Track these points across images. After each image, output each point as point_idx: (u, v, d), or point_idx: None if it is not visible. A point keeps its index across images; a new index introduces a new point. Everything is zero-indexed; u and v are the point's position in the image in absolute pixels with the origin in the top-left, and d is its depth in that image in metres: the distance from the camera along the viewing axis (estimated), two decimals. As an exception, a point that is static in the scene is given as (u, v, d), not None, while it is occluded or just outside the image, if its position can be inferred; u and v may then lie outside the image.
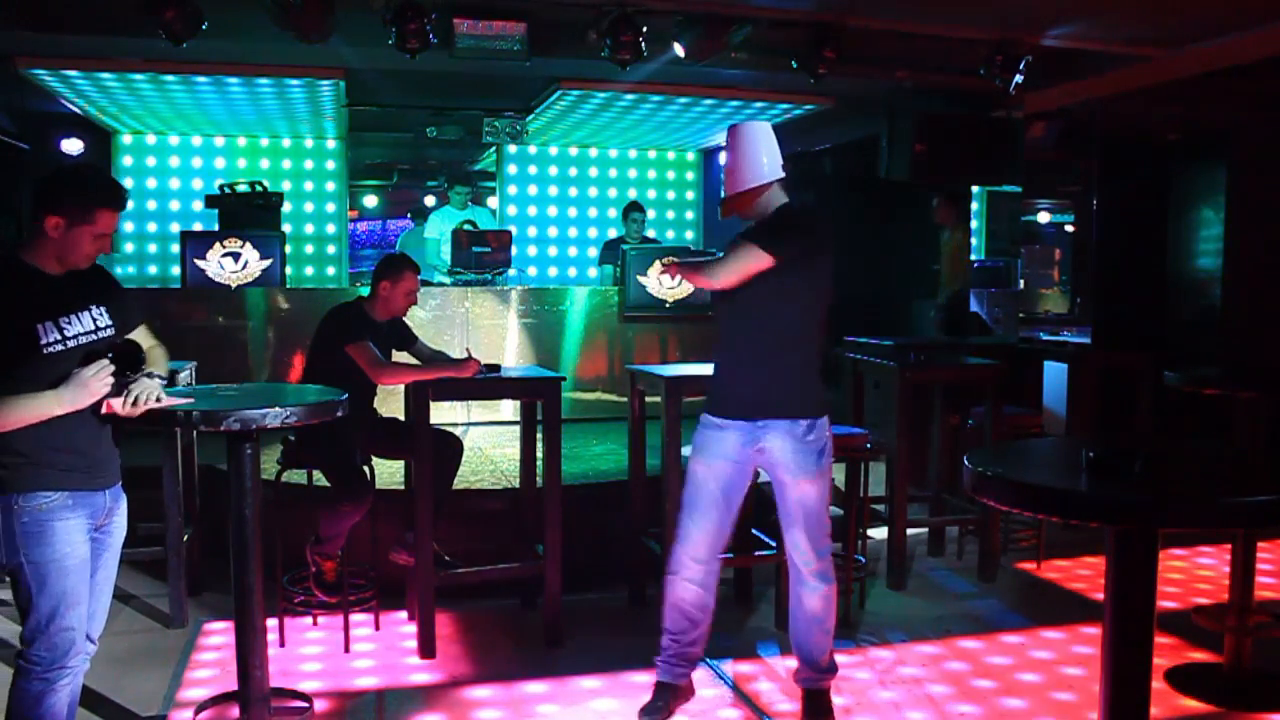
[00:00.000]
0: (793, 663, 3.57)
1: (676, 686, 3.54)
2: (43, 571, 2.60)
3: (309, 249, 9.08)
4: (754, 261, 3.22)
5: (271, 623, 3.83)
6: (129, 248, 8.69)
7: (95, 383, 2.56)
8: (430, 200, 12.18)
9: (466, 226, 7.58)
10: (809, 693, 3.51)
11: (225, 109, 7.76)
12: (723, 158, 3.56)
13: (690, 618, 3.47)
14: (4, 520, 2.57)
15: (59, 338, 2.58)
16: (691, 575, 3.43)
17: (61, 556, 2.61)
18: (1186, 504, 2.10)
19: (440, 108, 8.14)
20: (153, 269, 8.73)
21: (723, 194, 3.48)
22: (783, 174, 3.40)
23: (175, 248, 7.31)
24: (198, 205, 8.33)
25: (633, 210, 8.00)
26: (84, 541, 2.67)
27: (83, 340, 2.64)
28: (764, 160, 3.38)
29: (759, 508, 4.50)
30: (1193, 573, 5.28)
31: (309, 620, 4.43)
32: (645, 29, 5.62)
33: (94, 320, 2.70)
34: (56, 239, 2.60)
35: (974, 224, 8.65)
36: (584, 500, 4.90)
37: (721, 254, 3.40)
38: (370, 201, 13.36)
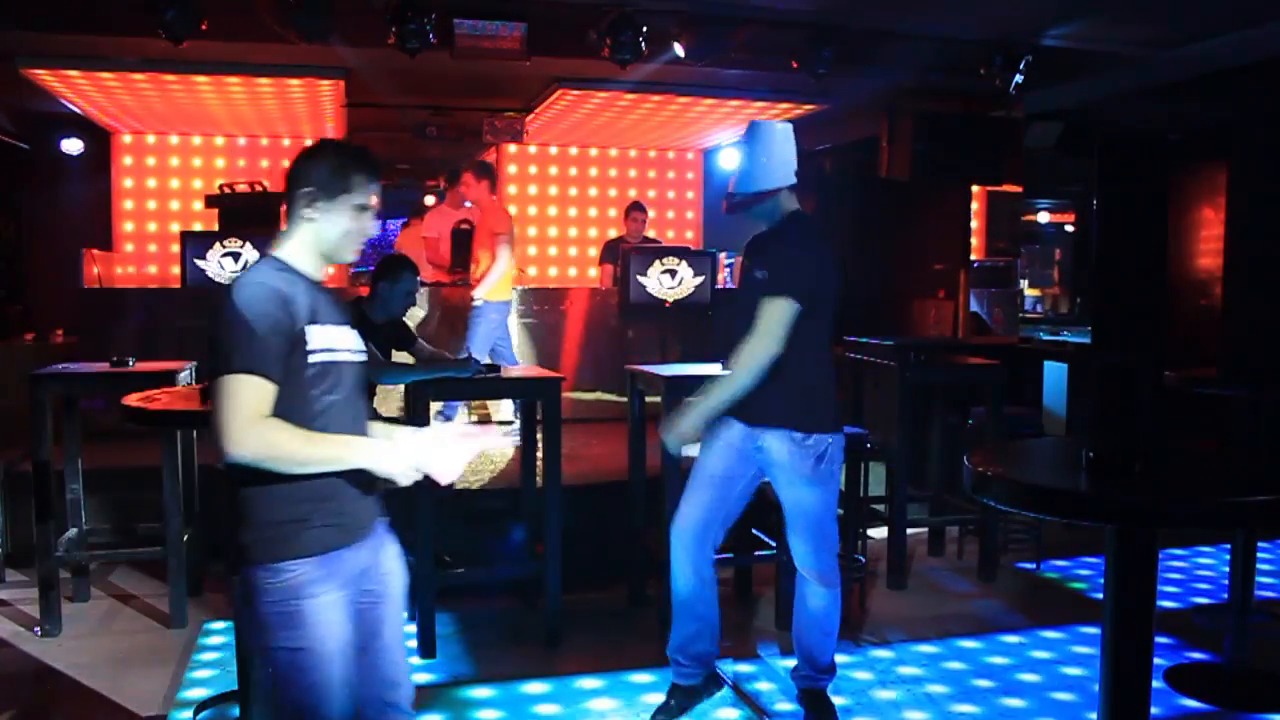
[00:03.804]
0: (793, 662, 3.57)
1: (687, 687, 3.54)
2: (293, 660, 2.15)
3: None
4: (792, 314, 3.19)
5: (271, 623, 3.82)
6: (129, 248, 8.69)
7: (411, 468, 2.16)
8: (430, 200, 12.17)
9: (465, 226, 7.57)
10: (804, 691, 3.52)
11: (225, 109, 7.76)
12: (735, 153, 3.52)
13: (686, 604, 3.45)
14: (249, 599, 2.17)
15: (329, 347, 2.21)
16: (679, 556, 3.42)
17: (316, 641, 2.15)
18: (1186, 504, 2.10)
19: (440, 108, 8.13)
20: (153, 269, 8.73)
21: (732, 189, 3.41)
22: (795, 180, 3.38)
23: (175, 248, 7.31)
24: (198, 205, 8.33)
25: (634, 210, 8.00)
26: (342, 620, 2.20)
27: (344, 357, 2.25)
28: (781, 164, 3.34)
29: (759, 508, 4.50)
30: (1193, 573, 5.28)
31: (309, 620, 4.42)
32: (645, 29, 5.62)
33: (351, 342, 2.31)
34: (315, 221, 2.24)
35: (974, 224, 8.65)
36: (584, 500, 4.90)
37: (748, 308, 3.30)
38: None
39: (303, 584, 2.14)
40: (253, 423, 2.05)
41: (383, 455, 2.14)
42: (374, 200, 2.28)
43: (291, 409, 2.12)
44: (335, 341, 2.22)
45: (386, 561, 2.38)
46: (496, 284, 6.27)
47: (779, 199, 3.36)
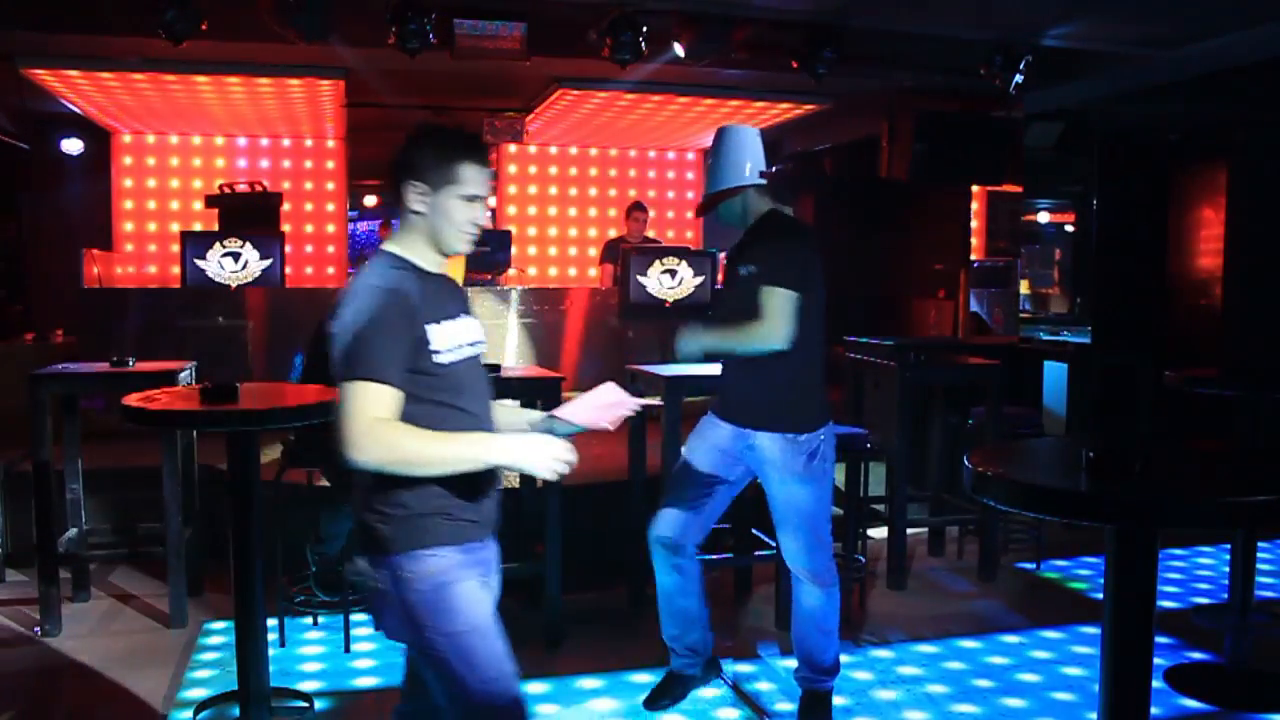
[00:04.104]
0: (793, 662, 3.57)
1: (683, 676, 3.57)
2: (456, 644, 2.12)
3: (309, 249, 9.08)
4: (794, 303, 3.19)
5: (271, 623, 3.83)
6: (129, 248, 8.69)
7: (552, 460, 2.09)
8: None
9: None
10: (806, 692, 3.51)
11: (225, 109, 7.76)
12: (709, 153, 3.54)
13: (671, 596, 3.46)
14: (397, 591, 2.13)
15: (450, 346, 2.17)
16: (656, 553, 3.43)
17: (472, 621, 2.14)
18: (1186, 504, 2.09)
19: (440, 108, 8.14)
20: (153, 269, 8.73)
21: (707, 190, 3.45)
22: (763, 181, 3.37)
23: (175, 248, 7.31)
24: (198, 205, 8.33)
25: (635, 210, 8.00)
26: (488, 604, 2.21)
27: (466, 352, 2.23)
28: (745, 163, 3.34)
29: (759, 508, 4.50)
30: (1193, 573, 5.28)
31: (309, 620, 4.43)
32: (645, 29, 5.62)
33: (472, 333, 2.27)
34: (424, 214, 2.18)
35: (974, 224, 8.66)
36: (584, 500, 4.90)
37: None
38: (370, 201, 13.34)
39: (448, 569, 2.12)
40: (374, 427, 2.02)
41: (519, 450, 2.07)
42: (484, 187, 2.20)
43: (418, 411, 2.09)
44: (456, 337, 2.18)
45: (496, 565, 2.35)
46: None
47: (746, 199, 3.36)
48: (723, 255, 7.98)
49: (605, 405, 2.34)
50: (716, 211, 3.43)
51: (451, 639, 2.11)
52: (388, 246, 2.22)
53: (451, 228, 2.18)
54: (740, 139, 3.39)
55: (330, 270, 9.13)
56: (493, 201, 9.99)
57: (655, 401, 2.44)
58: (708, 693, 3.75)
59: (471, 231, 2.21)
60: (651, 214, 8.38)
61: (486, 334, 2.36)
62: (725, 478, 3.42)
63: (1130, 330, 7.42)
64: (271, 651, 3.47)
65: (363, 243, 12.79)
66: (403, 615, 2.13)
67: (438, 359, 2.12)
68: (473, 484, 2.15)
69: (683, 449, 3.51)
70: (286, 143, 9.02)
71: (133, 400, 3.31)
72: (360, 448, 2.03)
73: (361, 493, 2.17)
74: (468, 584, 2.15)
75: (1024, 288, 8.85)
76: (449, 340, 2.15)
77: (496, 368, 4.42)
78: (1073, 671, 3.98)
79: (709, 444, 3.41)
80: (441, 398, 2.13)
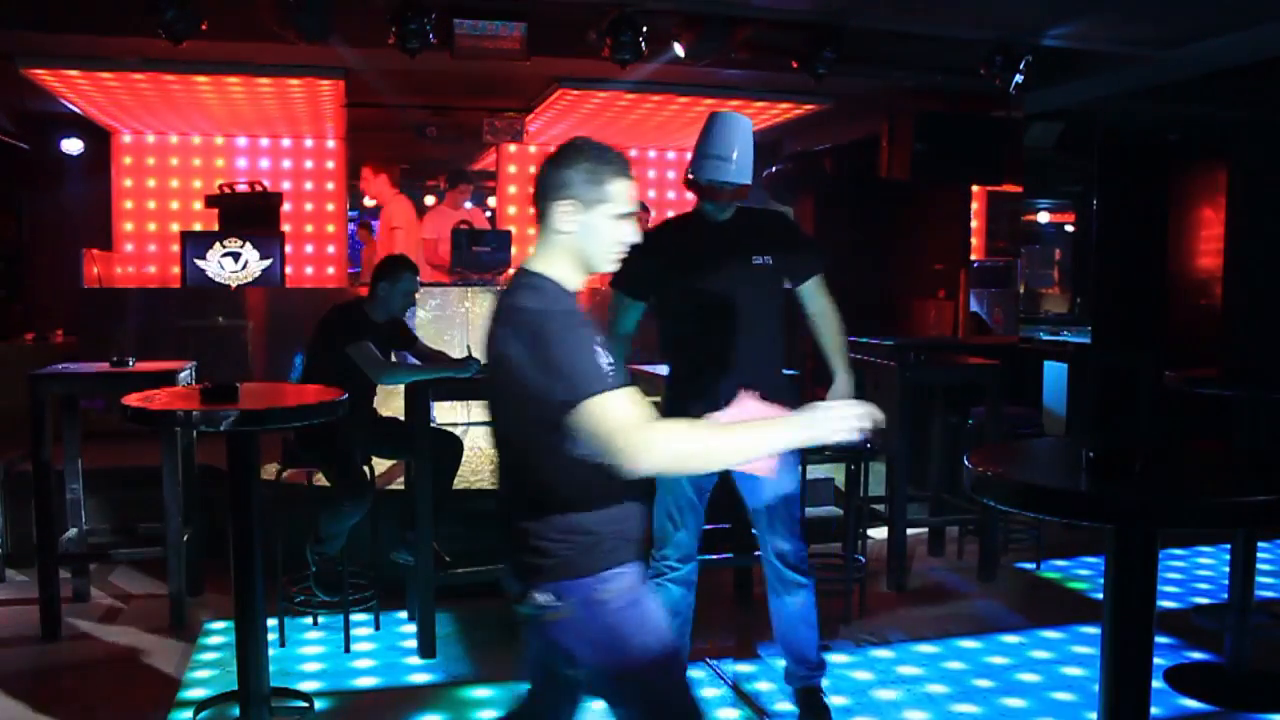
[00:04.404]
0: (792, 663, 3.57)
1: None
2: (658, 662, 2.10)
3: (309, 249, 9.08)
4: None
5: (271, 623, 3.83)
6: (129, 248, 8.69)
7: (846, 422, 1.95)
8: (430, 200, 12.18)
9: (463, 226, 7.58)
10: (801, 691, 3.50)
11: (225, 109, 7.76)
12: (721, 141, 3.46)
13: (684, 618, 3.46)
14: (585, 615, 2.07)
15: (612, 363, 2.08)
16: (680, 575, 3.42)
17: (666, 636, 2.14)
18: (1186, 504, 2.10)
19: (440, 107, 8.14)
20: (153, 269, 8.73)
21: (721, 178, 3.29)
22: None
23: (175, 248, 7.31)
24: (198, 205, 8.33)
25: (639, 210, 7.98)
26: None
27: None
28: (751, 160, 3.36)
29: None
30: (1193, 573, 5.28)
31: (309, 620, 4.43)
32: (645, 29, 5.62)
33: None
34: (573, 234, 2.10)
35: (974, 224, 8.66)
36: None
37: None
38: (370, 202, 13.34)
39: (635, 585, 2.10)
40: (644, 433, 1.92)
41: (813, 425, 1.95)
42: (634, 204, 2.14)
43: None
44: (609, 355, 2.09)
45: None
46: None
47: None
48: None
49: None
50: (744, 200, 3.40)
51: (652, 659, 2.08)
52: (533, 266, 2.13)
53: (602, 247, 2.12)
54: (750, 132, 3.36)
55: (330, 270, 9.12)
56: (492, 201, 9.99)
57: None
58: (708, 692, 3.75)
59: (621, 250, 2.15)
60: (653, 214, 8.37)
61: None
62: (710, 483, 3.43)
63: (1130, 330, 7.42)
64: (271, 651, 3.47)
65: (363, 243, 12.79)
66: (597, 638, 2.08)
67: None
68: (630, 507, 2.13)
69: (669, 478, 3.37)
70: (286, 143, 9.02)
71: (132, 400, 3.31)
72: (636, 458, 1.91)
73: (528, 524, 2.09)
74: (652, 599, 2.15)
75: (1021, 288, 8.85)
76: (609, 359, 2.08)
77: (496, 368, 4.43)
78: (1073, 671, 3.98)
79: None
80: None
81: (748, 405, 2.09)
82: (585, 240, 2.10)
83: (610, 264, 2.16)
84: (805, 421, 1.94)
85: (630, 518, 2.13)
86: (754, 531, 3.52)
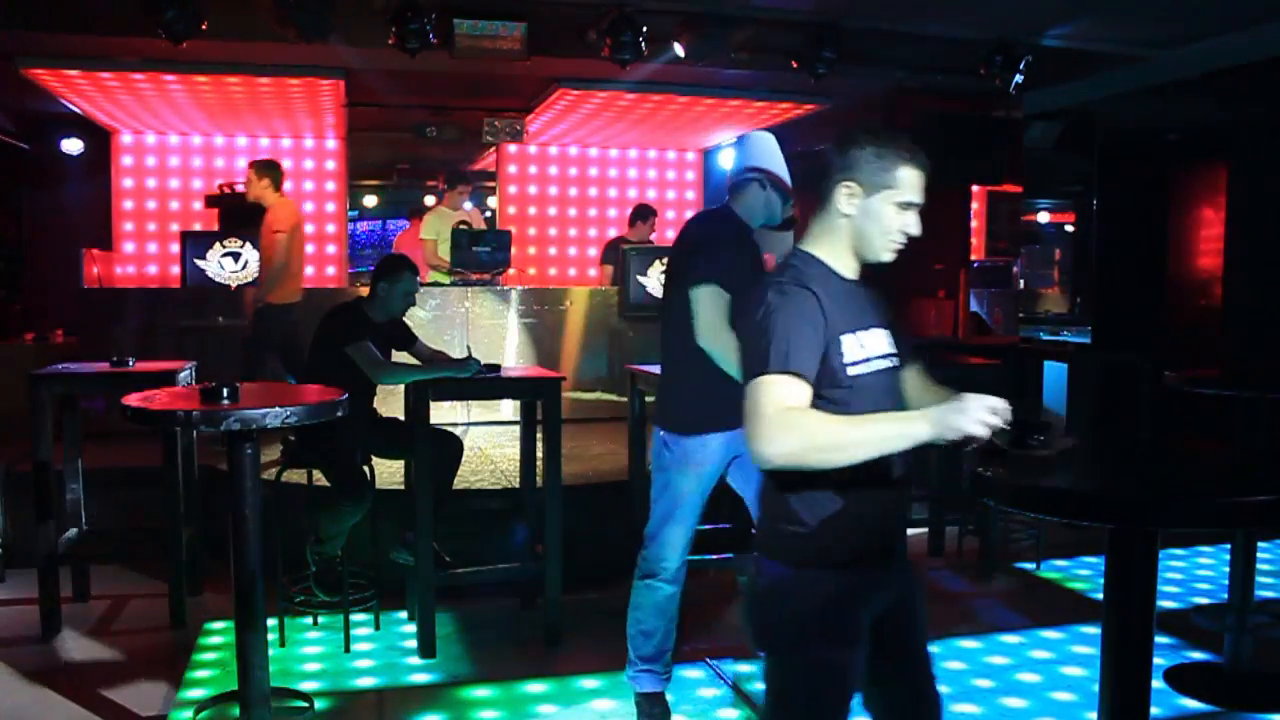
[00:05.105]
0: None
1: (661, 693, 3.48)
2: (811, 674, 2.07)
3: (309, 249, 9.07)
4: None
5: (271, 623, 3.83)
6: (129, 248, 8.69)
7: (979, 414, 1.91)
8: (430, 200, 12.19)
9: (463, 226, 7.58)
10: None
11: (225, 109, 7.76)
12: (773, 167, 3.50)
13: (671, 617, 3.43)
14: (779, 598, 2.07)
15: (861, 357, 2.06)
16: (672, 577, 3.39)
17: (835, 660, 2.06)
18: (1186, 504, 2.09)
19: (440, 107, 8.14)
20: (153, 269, 8.73)
21: (792, 211, 3.43)
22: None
23: (175, 248, 7.32)
24: (198, 205, 8.33)
25: (644, 213, 7.96)
26: (858, 644, 2.09)
27: (877, 365, 2.09)
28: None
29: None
30: (1193, 573, 5.28)
31: (309, 620, 4.43)
32: (645, 29, 5.62)
33: (885, 344, 2.14)
34: (852, 218, 2.07)
35: (974, 224, 8.66)
36: (584, 500, 4.90)
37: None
38: (370, 201, 13.35)
39: (841, 595, 2.04)
40: (785, 415, 1.88)
41: (944, 417, 1.89)
42: (919, 195, 2.07)
43: None
44: (869, 348, 2.06)
45: (910, 594, 2.25)
46: (278, 285, 5.96)
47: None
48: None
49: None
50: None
51: (807, 666, 2.05)
52: (805, 247, 2.11)
53: (880, 234, 2.07)
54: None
55: (330, 270, 9.13)
56: (493, 201, 9.99)
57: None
58: (707, 692, 3.75)
59: (900, 240, 2.09)
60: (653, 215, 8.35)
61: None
62: (712, 483, 3.41)
63: (1130, 330, 7.42)
64: (271, 651, 3.47)
65: (363, 243, 12.81)
66: (779, 625, 2.07)
67: (850, 370, 2.02)
68: (868, 509, 2.05)
69: (669, 478, 3.36)
70: (286, 143, 9.02)
71: (132, 400, 3.31)
72: (770, 438, 1.86)
73: (779, 494, 2.08)
74: (848, 615, 2.05)
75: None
76: (861, 351, 2.04)
77: (496, 368, 4.43)
78: (1073, 671, 3.98)
79: (707, 468, 3.33)
80: (849, 409, 1.98)
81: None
82: (863, 225, 2.06)
83: (888, 253, 2.10)
84: (939, 415, 1.88)
85: (840, 516, 2.03)
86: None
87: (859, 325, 2.06)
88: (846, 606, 2.05)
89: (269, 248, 5.96)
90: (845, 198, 2.05)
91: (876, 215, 2.05)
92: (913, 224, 2.08)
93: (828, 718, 2.07)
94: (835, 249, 2.10)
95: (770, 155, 3.42)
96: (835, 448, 1.87)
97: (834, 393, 1.99)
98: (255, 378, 5.36)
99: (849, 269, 2.11)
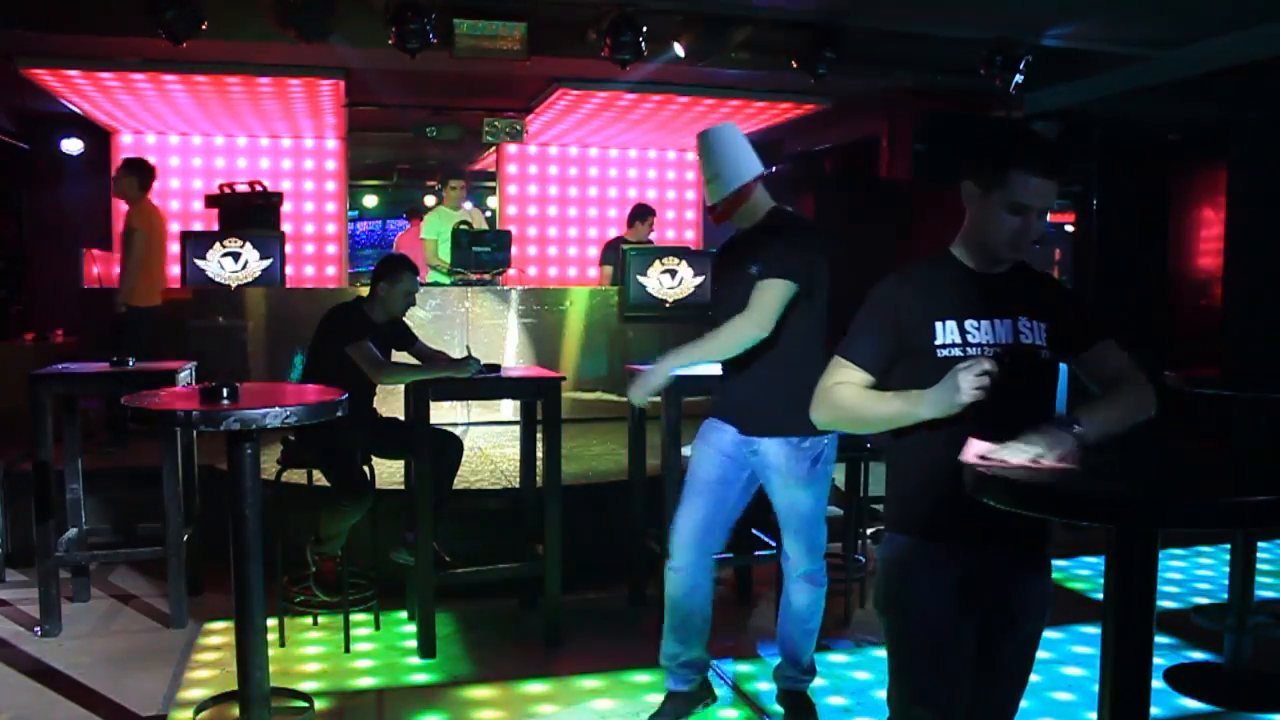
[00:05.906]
0: (792, 663, 3.57)
1: (685, 693, 3.49)
2: (894, 636, 2.19)
3: (309, 249, 9.08)
4: (788, 295, 3.17)
5: (271, 623, 3.83)
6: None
7: (967, 382, 1.95)
8: (430, 200, 12.20)
9: (463, 226, 7.59)
10: (786, 692, 3.50)
11: (225, 109, 7.76)
12: (700, 166, 3.49)
13: (683, 612, 3.41)
14: (879, 561, 2.27)
15: (957, 341, 2.11)
16: (677, 564, 3.38)
17: (916, 627, 2.13)
18: (1186, 504, 2.09)
19: (440, 107, 8.15)
20: (153, 269, 8.72)
21: (711, 201, 3.36)
22: (763, 169, 3.34)
23: (175, 248, 7.31)
24: (198, 205, 8.33)
25: (643, 213, 7.96)
26: (946, 611, 2.12)
27: (986, 350, 2.11)
28: (743, 158, 3.31)
29: (759, 508, 4.50)
30: (1193, 573, 5.28)
31: (309, 620, 4.43)
32: (645, 29, 5.62)
33: (1016, 333, 2.13)
34: (970, 210, 2.14)
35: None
36: (584, 500, 4.90)
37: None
38: (370, 201, 13.36)
39: (907, 561, 2.17)
40: (828, 391, 2.20)
41: (936, 393, 2.00)
42: (1034, 198, 2.06)
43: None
44: (972, 335, 2.11)
45: (1020, 598, 2.26)
46: (136, 285, 5.92)
47: (755, 195, 3.31)
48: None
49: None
50: (734, 215, 3.35)
51: (888, 625, 2.20)
52: (957, 241, 2.22)
53: (994, 233, 2.11)
54: (732, 135, 3.34)
55: (330, 270, 9.13)
56: (493, 201, 10.00)
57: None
58: (708, 693, 3.75)
59: (1019, 242, 2.11)
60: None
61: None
62: (737, 478, 3.37)
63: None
64: (271, 651, 3.47)
65: (363, 243, 12.82)
66: (875, 585, 2.25)
67: (940, 353, 2.10)
68: (940, 476, 2.05)
69: (687, 457, 3.45)
70: (286, 143, 9.02)
71: (132, 400, 3.31)
72: (815, 407, 2.23)
73: (886, 467, 2.30)
74: (927, 581, 2.14)
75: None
76: (957, 336, 2.11)
77: (496, 368, 4.43)
78: (1073, 671, 3.98)
79: (714, 449, 3.35)
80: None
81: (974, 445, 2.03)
82: (981, 223, 2.14)
83: (1009, 251, 2.13)
84: (936, 393, 2.01)
85: (915, 483, 2.18)
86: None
87: (969, 314, 2.13)
88: (918, 571, 2.16)
89: (125, 246, 5.99)
90: (966, 195, 2.15)
91: (989, 214, 2.11)
92: (1032, 227, 2.09)
93: (919, 683, 2.17)
94: (965, 241, 2.20)
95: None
96: (856, 420, 2.20)
97: (923, 373, 2.08)
98: None
99: (977, 261, 2.19)
